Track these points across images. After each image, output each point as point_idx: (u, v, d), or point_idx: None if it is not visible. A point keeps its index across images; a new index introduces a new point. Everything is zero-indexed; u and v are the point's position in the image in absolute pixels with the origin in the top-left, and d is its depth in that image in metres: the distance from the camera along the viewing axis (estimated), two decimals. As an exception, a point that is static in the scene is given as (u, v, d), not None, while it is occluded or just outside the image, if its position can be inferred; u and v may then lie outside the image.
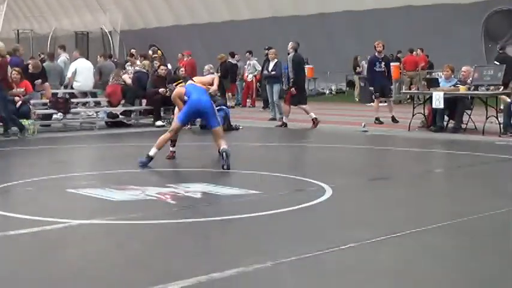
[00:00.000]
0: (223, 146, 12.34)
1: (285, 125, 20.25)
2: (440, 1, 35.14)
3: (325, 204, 9.15)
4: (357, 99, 32.08)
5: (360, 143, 16.59)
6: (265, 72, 22.57)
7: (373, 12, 37.40)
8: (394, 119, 20.46)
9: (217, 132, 12.74)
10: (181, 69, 22.90)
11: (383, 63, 21.06)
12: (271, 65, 22.25)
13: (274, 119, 22.05)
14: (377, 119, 20.49)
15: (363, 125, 19.12)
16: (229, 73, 28.05)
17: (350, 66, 35.35)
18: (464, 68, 19.36)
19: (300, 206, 8.91)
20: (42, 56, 29.44)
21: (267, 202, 9.34)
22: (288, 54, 20.63)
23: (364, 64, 30.88)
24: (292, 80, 20.12)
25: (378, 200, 9.78)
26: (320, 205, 9.08)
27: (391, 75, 22.11)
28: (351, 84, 38.02)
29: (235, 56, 30.61)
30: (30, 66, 20.02)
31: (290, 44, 20.64)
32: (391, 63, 24.20)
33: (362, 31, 38.24)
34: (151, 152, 12.53)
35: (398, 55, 31.79)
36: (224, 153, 12.17)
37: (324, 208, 9.02)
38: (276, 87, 21.97)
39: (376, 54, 21.17)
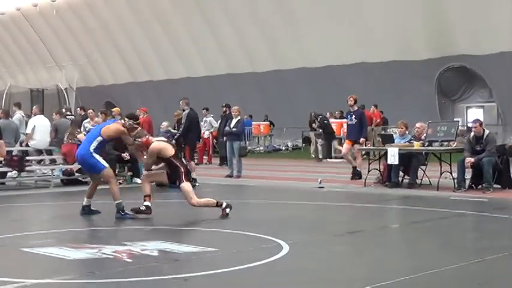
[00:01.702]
0: (117, 200, 13.19)
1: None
2: (394, 58, 35.72)
3: (281, 261, 9.14)
4: (313, 156, 32.17)
5: (316, 199, 16.64)
6: (227, 128, 22.53)
7: (328, 69, 37.87)
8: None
9: (103, 176, 13.40)
10: (138, 126, 22.85)
11: (354, 116, 21.08)
12: (233, 122, 22.25)
13: (230, 176, 22.08)
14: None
15: (319, 181, 19.20)
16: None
17: (306, 123, 35.60)
18: (418, 124, 19.62)
19: (257, 263, 8.89)
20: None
21: (223, 259, 9.31)
22: (183, 110, 21.08)
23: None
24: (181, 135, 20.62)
25: (334, 256, 9.81)
26: (276, 262, 9.07)
27: (364, 128, 21.32)
28: (307, 140, 38.22)
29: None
30: (-16, 125, 19.79)
31: (182, 101, 21.12)
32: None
33: (318, 88, 38.70)
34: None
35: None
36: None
37: (280, 265, 9.00)
38: (236, 145, 22.03)
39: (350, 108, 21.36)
